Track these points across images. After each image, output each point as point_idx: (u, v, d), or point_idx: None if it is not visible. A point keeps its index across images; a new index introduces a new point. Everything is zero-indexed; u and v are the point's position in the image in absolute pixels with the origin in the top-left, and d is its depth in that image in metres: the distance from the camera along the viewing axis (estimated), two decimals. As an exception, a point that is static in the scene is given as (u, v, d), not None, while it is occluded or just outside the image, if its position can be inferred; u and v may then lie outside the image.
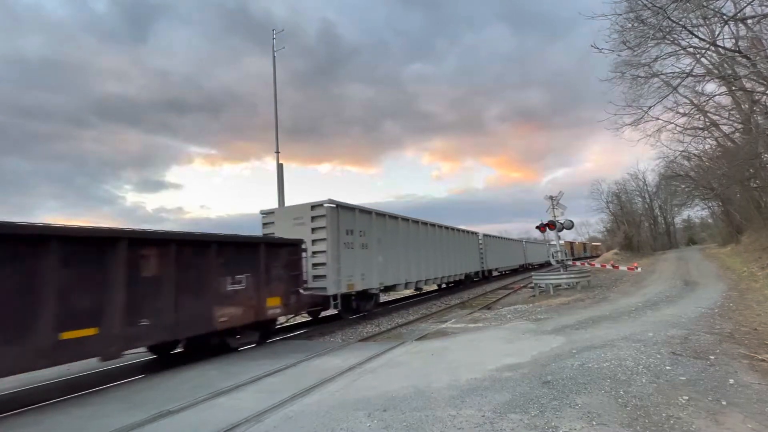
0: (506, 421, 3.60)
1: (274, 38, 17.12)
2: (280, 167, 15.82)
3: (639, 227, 50.92)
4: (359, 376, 5.53)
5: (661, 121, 15.88)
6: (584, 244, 65.14)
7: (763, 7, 9.12)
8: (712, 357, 5.21)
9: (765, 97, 12.13)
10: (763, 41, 10.66)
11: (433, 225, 17.04)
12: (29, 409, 4.99)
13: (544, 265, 40.36)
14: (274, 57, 16.96)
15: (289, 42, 17.66)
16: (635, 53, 11.25)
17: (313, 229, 10.62)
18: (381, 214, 13.33)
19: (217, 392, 5.15)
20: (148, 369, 7.26)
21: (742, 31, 11.69)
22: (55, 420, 4.56)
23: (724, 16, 9.04)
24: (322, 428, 3.77)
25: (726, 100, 16.60)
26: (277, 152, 16.19)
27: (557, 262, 18.24)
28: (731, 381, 4.31)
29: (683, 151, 21.96)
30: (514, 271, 32.62)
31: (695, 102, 16.22)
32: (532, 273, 22.18)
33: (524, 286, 19.92)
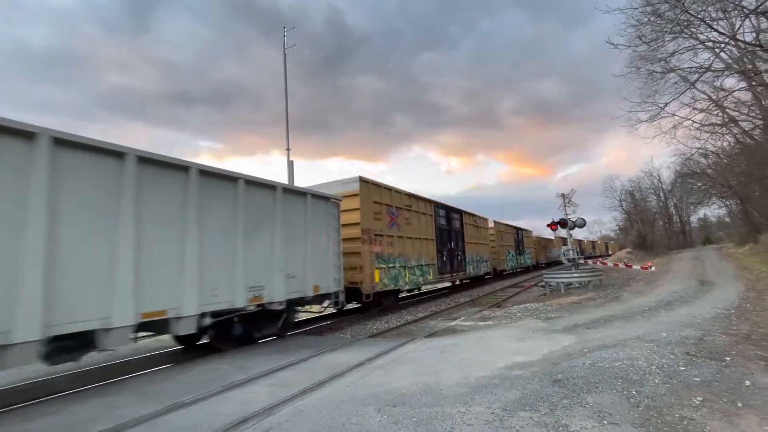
0: (516, 419, 3.60)
1: (285, 35, 17.14)
2: (290, 164, 15.93)
3: (653, 226, 50.01)
4: (369, 372, 5.57)
5: (677, 118, 15.54)
6: (580, 242, 60.21)
7: (786, 0, 8.84)
8: (728, 358, 5.11)
9: (787, 92, 11.79)
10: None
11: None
12: (50, 399, 5.16)
13: (531, 269, 32.70)
14: (285, 56, 16.99)
15: (295, 31, 17.44)
16: (651, 48, 11.03)
17: None
18: None
19: (230, 385, 5.24)
20: (161, 362, 7.43)
21: (764, 25, 11.37)
22: (73, 409, 4.69)
23: (745, 9, 8.80)
24: (332, 422, 3.81)
25: (746, 96, 16.19)
26: (288, 149, 16.31)
27: (569, 260, 18.10)
28: (747, 383, 4.22)
29: (700, 148, 21.44)
30: (479, 279, 21.92)
31: (713, 98, 15.86)
32: (544, 272, 17.05)
33: (534, 285, 19.76)
